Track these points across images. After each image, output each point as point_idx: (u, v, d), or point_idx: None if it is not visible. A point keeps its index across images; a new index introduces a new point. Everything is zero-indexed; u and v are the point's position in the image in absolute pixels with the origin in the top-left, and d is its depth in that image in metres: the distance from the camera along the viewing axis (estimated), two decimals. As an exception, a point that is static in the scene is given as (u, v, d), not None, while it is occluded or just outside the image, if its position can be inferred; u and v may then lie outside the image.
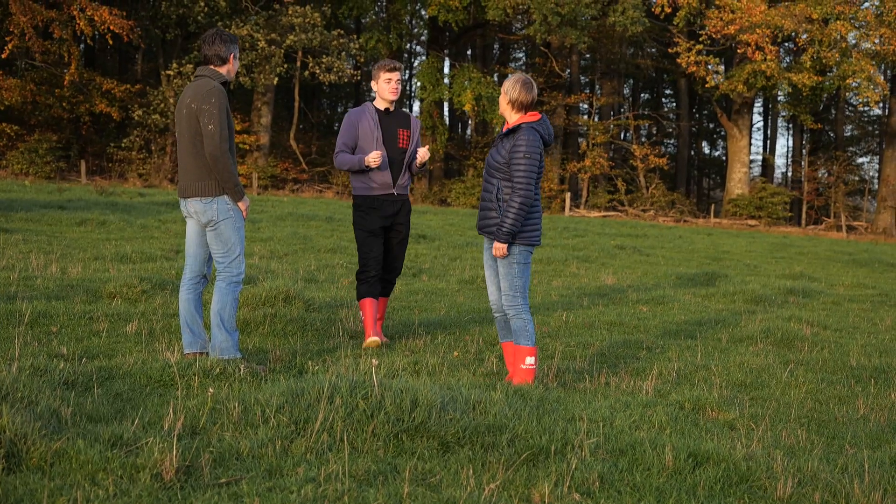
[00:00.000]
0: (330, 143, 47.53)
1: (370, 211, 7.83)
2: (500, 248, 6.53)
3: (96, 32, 36.92)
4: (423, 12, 46.96)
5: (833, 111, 56.67)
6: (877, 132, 60.81)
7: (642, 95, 63.71)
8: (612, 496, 4.29)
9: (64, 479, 3.99)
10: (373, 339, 7.60)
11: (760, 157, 60.30)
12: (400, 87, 7.96)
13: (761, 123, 64.37)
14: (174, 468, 4.09)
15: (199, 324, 6.65)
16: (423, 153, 7.86)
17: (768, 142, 61.48)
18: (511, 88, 6.56)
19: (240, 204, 6.52)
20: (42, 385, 5.16)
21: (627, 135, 53.98)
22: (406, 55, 57.32)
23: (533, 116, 6.61)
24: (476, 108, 39.64)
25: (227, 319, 6.52)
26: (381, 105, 7.95)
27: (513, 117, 6.64)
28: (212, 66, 6.56)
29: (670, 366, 7.59)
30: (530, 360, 6.57)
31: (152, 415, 5.07)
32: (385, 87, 7.87)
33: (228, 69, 6.61)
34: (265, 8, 40.37)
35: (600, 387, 6.67)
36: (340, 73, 39.20)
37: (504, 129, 6.67)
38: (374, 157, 7.62)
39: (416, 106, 52.76)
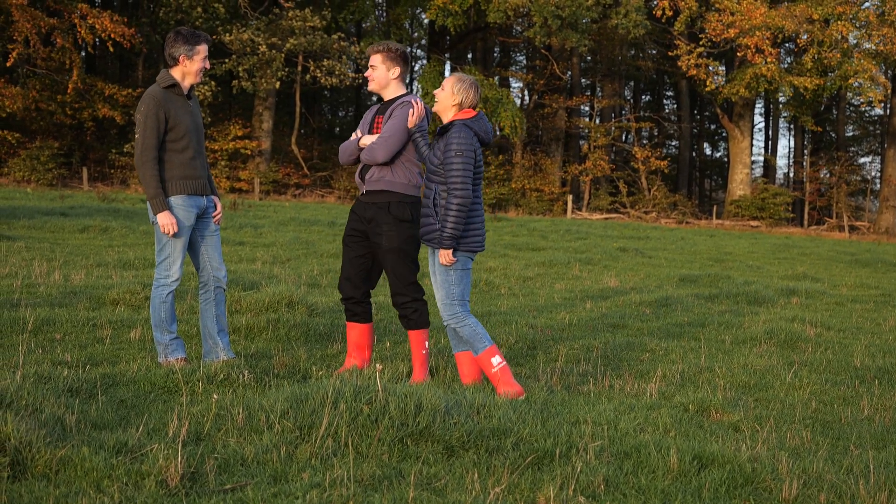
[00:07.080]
0: (331, 148, 47.57)
1: (350, 215, 6.78)
2: (445, 255, 6.12)
3: (97, 39, 36.92)
4: (422, 16, 46.97)
5: (834, 111, 56.64)
6: (878, 132, 60.78)
7: (643, 97, 63.66)
8: (618, 499, 4.29)
9: (69, 487, 3.99)
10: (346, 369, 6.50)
11: (762, 158, 60.25)
12: (376, 73, 6.63)
13: (763, 124, 64.41)
14: (179, 475, 4.10)
15: (207, 333, 6.64)
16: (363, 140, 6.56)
17: (770, 143, 61.48)
18: (459, 89, 6.20)
19: (158, 217, 6.29)
20: (46, 392, 5.16)
21: (629, 137, 53.95)
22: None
23: (467, 114, 6.23)
24: (485, 109, 39.65)
25: (157, 323, 6.48)
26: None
27: (448, 116, 6.28)
28: (169, 69, 6.51)
29: (674, 368, 7.58)
30: (496, 360, 6.15)
31: (157, 421, 5.07)
32: None
33: (183, 71, 6.44)
34: (265, 13, 40.40)
35: (604, 389, 6.66)
36: (342, 77, 39.22)
37: (437, 129, 6.31)
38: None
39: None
